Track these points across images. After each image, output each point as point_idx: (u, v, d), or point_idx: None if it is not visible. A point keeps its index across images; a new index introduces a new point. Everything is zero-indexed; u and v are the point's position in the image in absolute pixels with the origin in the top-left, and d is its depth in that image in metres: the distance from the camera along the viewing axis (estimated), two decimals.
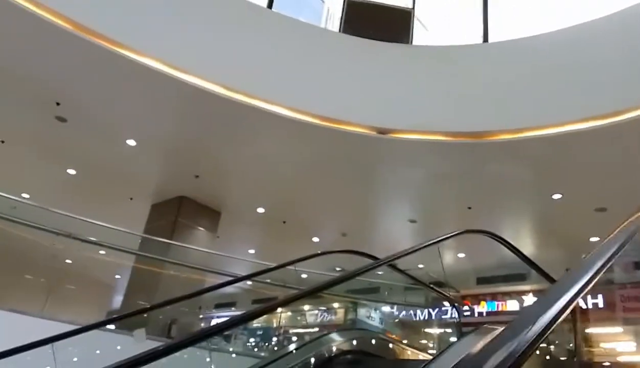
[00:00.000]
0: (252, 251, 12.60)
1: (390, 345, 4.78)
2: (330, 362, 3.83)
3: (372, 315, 14.39)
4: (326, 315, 15.15)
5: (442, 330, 11.60)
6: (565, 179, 7.55)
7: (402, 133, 6.96)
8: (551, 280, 6.23)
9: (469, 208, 8.80)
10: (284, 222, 10.26)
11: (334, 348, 4.06)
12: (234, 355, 5.51)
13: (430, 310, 12.56)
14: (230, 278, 6.27)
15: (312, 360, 3.67)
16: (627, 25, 6.38)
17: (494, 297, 11.81)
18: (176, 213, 9.26)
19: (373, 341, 4.32)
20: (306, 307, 15.34)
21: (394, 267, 5.06)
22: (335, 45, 7.70)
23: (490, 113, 6.86)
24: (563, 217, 8.84)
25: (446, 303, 12.70)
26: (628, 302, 7.90)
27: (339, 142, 7.25)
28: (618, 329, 9.22)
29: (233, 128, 7.26)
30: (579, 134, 6.29)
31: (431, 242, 4.19)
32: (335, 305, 15.03)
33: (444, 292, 8.69)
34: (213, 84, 6.43)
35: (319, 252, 5.96)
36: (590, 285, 1.16)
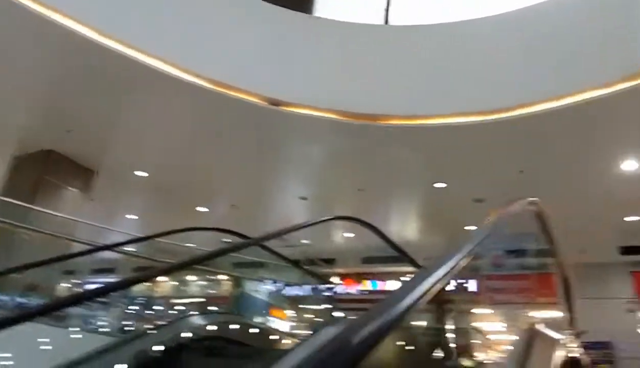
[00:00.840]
0: (133, 217, 11.74)
1: (258, 331, 4.53)
2: (183, 350, 3.49)
3: (259, 289, 14.25)
4: (212, 286, 14.76)
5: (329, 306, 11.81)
6: (450, 169, 7.78)
7: (296, 107, 6.66)
8: (417, 265, 6.40)
9: (360, 190, 8.81)
10: (169, 189, 9.60)
11: (191, 334, 3.71)
12: (80, 335, 4.93)
13: (315, 286, 12.70)
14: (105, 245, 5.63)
15: (161, 347, 3.29)
16: (519, 23, 6.56)
17: (376, 276, 12.16)
18: (42, 169, 8.19)
19: (239, 326, 4.03)
20: (191, 278, 14.81)
21: (264, 247, 4.79)
22: (230, 3, 7.13)
23: (385, 96, 6.77)
24: (445, 205, 9.19)
25: (335, 280, 12.95)
26: (491, 292, 8.44)
27: (230, 109, 6.77)
28: (487, 311, 9.93)
29: (113, 82, 6.46)
30: (464, 127, 6.42)
31: (301, 225, 3.96)
32: (223, 277, 14.67)
33: (314, 271, 8.69)
34: (85, 26, 5.60)
35: (192, 227, 5.51)
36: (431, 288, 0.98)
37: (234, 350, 3.69)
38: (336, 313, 11.89)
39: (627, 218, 9.02)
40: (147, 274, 5.18)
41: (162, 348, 3.31)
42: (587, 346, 8.85)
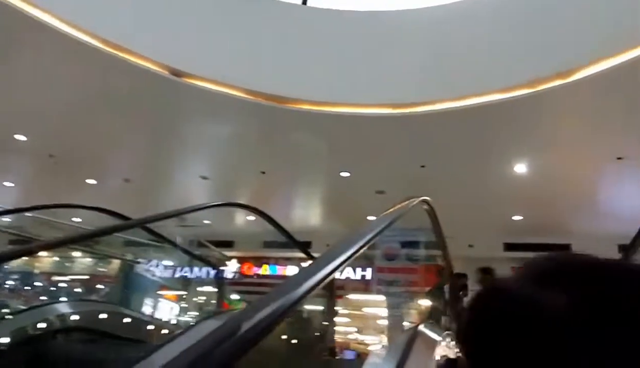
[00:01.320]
0: (9, 184, 10.53)
1: (132, 320, 4.14)
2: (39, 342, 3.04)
3: (152, 269, 13.55)
4: (99, 264, 13.77)
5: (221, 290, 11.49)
6: (354, 159, 7.76)
7: (199, 80, 6.22)
8: (309, 254, 6.34)
9: (263, 172, 8.55)
10: (51, 156, 8.64)
11: (51, 324, 3.26)
12: None
13: (210, 269, 12.30)
14: None
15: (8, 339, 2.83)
16: (431, 20, 6.62)
17: (277, 261, 12.01)
18: None
19: (108, 316, 3.63)
20: (76, 254, 13.71)
21: (146, 229, 4.41)
22: None
23: (296, 80, 6.54)
24: (348, 194, 9.22)
25: (232, 264, 12.60)
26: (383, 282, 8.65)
27: (125, 74, 6.15)
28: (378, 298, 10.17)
29: None
30: (370, 118, 6.40)
31: (186, 210, 3.66)
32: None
33: (200, 255, 8.38)
34: None
35: (67, 203, 4.96)
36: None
37: (101, 347, 3.30)
38: (233, 296, 11.68)
39: (514, 217, 9.65)
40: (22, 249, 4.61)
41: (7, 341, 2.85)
42: None
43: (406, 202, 2.32)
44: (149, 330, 4.19)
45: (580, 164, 7.29)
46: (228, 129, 7.46)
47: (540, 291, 0.44)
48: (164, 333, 4.26)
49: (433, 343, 2.68)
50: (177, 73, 6.09)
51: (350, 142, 7.18)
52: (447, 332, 3.28)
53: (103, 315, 3.58)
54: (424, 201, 2.74)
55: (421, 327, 2.72)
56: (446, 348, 2.81)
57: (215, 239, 12.08)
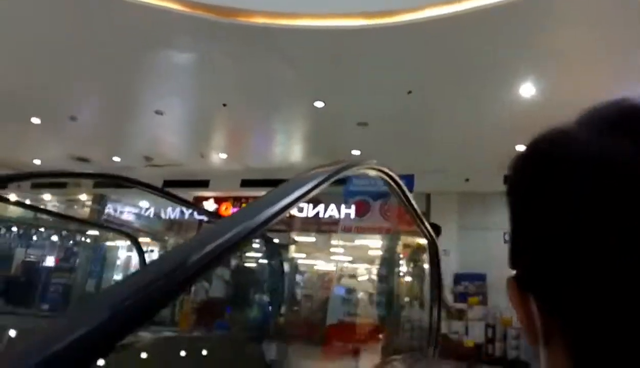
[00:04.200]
0: None
1: None
2: None
3: (126, 211, 12.71)
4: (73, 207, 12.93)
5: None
6: (327, 85, 6.52)
7: None
8: None
9: (224, 105, 7.31)
10: None
11: None
12: None
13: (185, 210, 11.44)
14: None
15: None
16: None
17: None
18: None
19: None
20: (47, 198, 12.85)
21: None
22: None
23: None
24: (327, 128, 8.06)
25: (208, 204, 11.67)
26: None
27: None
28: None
29: None
30: (342, 33, 5.11)
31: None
32: (83, 197, 12.80)
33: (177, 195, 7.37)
34: None
35: None
36: None
37: None
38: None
39: (518, 147, 8.47)
40: None
41: None
42: (463, 277, 8.60)
43: (335, 167, 1.22)
44: None
45: (598, 84, 6.02)
46: (175, 54, 6.17)
47: (602, 137, 0.38)
48: None
49: None
50: None
51: (318, 65, 5.91)
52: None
53: None
54: (380, 171, 1.63)
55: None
56: None
57: (189, 179, 11.08)
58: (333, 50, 5.50)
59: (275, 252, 4.86)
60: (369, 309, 8.22)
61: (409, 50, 5.44)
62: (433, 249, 3.01)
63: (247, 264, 8.78)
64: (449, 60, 5.62)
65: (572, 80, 5.89)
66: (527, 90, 6.13)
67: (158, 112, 7.73)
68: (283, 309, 6.45)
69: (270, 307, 5.08)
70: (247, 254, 8.53)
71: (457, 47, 5.33)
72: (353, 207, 9.55)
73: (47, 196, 13.05)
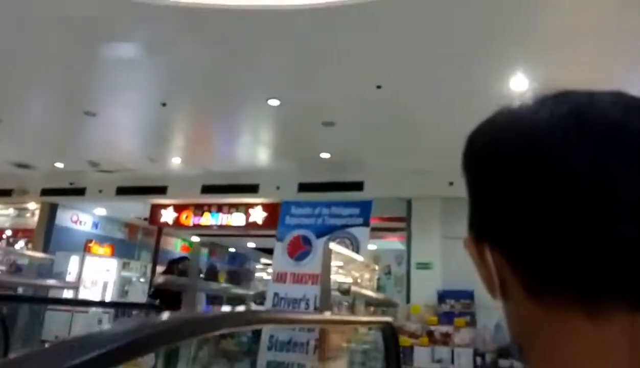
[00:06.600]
0: None
1: None
2: None
3: (81, 219, 11.60)
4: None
5: None
6: (279, 80, 5.42)
7: None
8: None
9: (164, 104, 6.18)
10: None
11: None
12: None
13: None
14: None
15: None
16: None
17: (219, 208, 9.95)
18: None
19: None
20: None
21: None
22: None
23: None
24: (289, 129, 7.00)
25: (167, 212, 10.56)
26: None
27: None
28: None
29: None
30: (271, 13, 4.01)
31: None
32: (31, 206, 11.56)
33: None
34: None
35: None
36: None
37: None
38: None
39: None
40: None
41: None
42: (447, 294, 7.58)
43: None
44: None
45: (603, 72, 4.99)
46: (106, 47, 5.02)
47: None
48: None
49: None
50: None
51: (262, 54, 4.80)
52: None
53: None
54: None
55: None
56: None
57: (144, 185, 9.93)
58: (282, 36, 4.41)
59: None
60: None
61: (375, 34, 4.37)
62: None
63: None
64: (425, 47, 4.56)
65: (567, 72, 4.85)
66: (519, 82, 5.08)
67: (88, 113, 6.57)
68: None
69: None
70: None
71: (433, 31, 4.27)
72: None
73: None
